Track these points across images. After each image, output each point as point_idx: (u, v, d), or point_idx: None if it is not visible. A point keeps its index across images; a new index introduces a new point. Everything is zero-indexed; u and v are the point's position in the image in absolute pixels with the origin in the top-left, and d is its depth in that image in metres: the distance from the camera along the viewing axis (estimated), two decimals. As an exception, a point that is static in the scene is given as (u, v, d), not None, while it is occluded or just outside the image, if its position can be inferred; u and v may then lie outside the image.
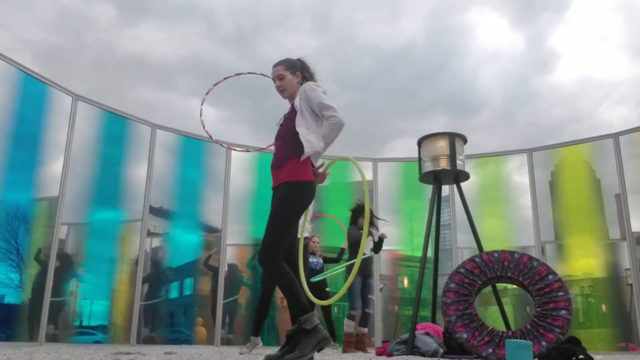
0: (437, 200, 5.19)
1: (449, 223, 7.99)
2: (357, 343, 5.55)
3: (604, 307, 7.35)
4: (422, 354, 4.11)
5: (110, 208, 6.88)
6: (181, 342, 7.27)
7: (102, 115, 6.79)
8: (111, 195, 6.84)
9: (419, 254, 5.05)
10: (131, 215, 7.00)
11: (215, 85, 4.68)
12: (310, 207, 3.14)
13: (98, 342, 6.55)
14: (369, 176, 8.44)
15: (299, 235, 3.26)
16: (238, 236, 7.93)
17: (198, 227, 7.81)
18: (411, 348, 4.20)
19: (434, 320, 5.26)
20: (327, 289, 6.25)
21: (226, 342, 7.55)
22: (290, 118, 2.77)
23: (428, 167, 5.14)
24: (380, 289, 6.12)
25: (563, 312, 3.82)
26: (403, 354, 4.11)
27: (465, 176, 5.21)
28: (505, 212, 8.02)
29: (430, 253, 5.35)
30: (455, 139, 5.10)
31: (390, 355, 4.22)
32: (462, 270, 4.20)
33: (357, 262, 2.52)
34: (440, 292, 4.35)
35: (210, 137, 4.88)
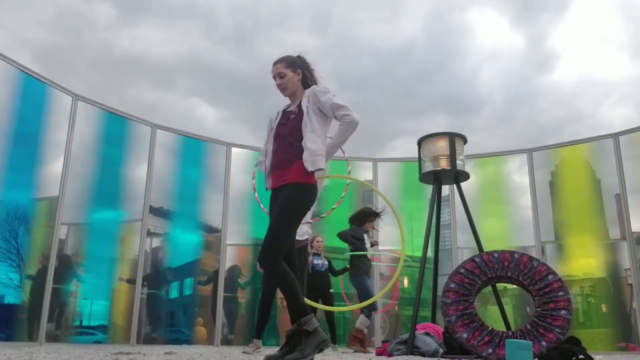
0: (437, 200, 5.18)
1: (449, 223, 7.99)
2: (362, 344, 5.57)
3: (604, 307, 7.35)
4: (422, 354, 4.11)
5: (110, 208, 6.88)
6: (181, 342, 7.27)
7: (102, 115, 6.79)
8: (111, 195, 6.85)
9: (419, 254, 5.05)
10: (131, 215, 7.00)
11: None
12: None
13: (98, 342, 6.55)
14: (368, 176, 8.43)
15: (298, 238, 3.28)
16: (238, 236, 7.93)
17: (198, 227, 7.81)
18: (411, 348, 4.20)
19: (434, 320, 5.26)
20: (331, 290, 6.23)
21: (226, 342, 7.55)
22: (296, 119, 2.75)
23: (428, 167, 5.14)
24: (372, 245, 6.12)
25: (563, 312, 3.82)
26: (403, 354, 4.11)
27: (465, 176, 5.20)
28: (505, 212, 8.02)
29: (430, 253, 5.34)
30: (455, 139, 5.09)
31: (390, 355, 4.22)
32: (462, 270, 4.20)
33: (400, 264, 2.56)
34: (440, 292, 4.35)
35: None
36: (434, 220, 5.18)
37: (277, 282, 2.58)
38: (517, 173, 8.22)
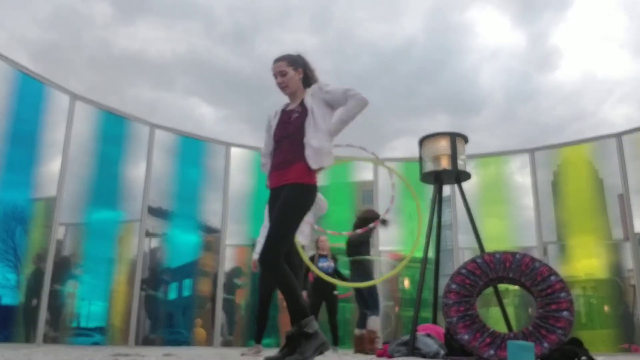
0: (438, 200, 5.14)
1: (450, 223, 7.95)
2: (362, 345, 5.53)
3: (606, 308, 7.31)
4: (423, 356, 4.06)
5: (108, 208, 6.85)
6: (180, 343, 7.23)
7: (100, 114, 6.76)
8: (109, 195, 6.81)
9: (420, 254, 5.00)
10: (129, 215, 6.97)
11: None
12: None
13: (96, 343, 6.51)
14: (369, 176, 8.39)
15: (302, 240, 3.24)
16: (237, 236, 7.88)
17: (197, 228, 7.77)
18: (412, 349, 4.15)
19: (435, 322, 5.21)
20: (335, 292, 6.16)
21: (225, 343, 7.51)
22: (299, 118, 2.70)
23: (429, 167, 5.09)
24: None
25: (565, 313, 3.77)
26: (404, 356, 4.07)
27: (467, 176, 5.16)
28: (507, 213, 7.98)
29: (431, 254, 5.29)
30: (456, 138, 5.05)
31: (391, 356, 4.17)
32: (463, 271, 4.16)
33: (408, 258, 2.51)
34: (441, 293, 4.30)
35: None
36: (434, 221, 5.14)
37: (278, 282, 2.55)
38: (519, 173, 8.19)
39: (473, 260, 4.22)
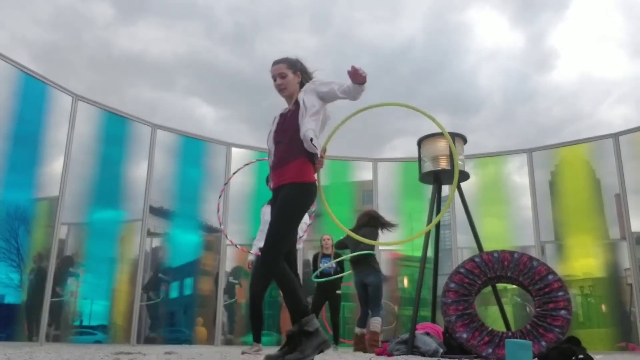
0: (437, 200, 5.19)
1: (449, 223, 7.99)
2: (362, 344, 5.54)
3: (603, 307, 7.35)
4: (422, 354, 4.10)
5: (110, 208, 6.88)
6: (181, 342, 7.27)
7: (102, 115, 6.79)
8: (111, 195, 6.85)
9: (419, 253, 5.04)
10: (131, 215, 7.01)
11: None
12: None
13: (98, 342, 6.55)
14: (368, 176, 8.43)
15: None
16: (238, 236, 7.92)
17: (198, 227, 7.81)
18: (411, 348, 4.20)
19: (433, 320, 5.26)
20: (338, 292, 6.18)
21: (226, 342, 7.55)
22: (293, 115, 2.72)
23: (428, 167, 5.14)
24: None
25: (563, 312, 3.82)
26: (403, 354, 4.11)
27: (465, 176, 5.20)
28: (505, 212, 8.03)
29: (430, 253, 5.33)
30: (455, 139, 5.09)
31: (390, 355, 4.21)
32: (462, 270, 4.20)
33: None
34: (440, 292, 4.34)
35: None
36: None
37: (278, 282, 2.57)
38: (517, 173, 8.23)
39: (471, 260, 4.27)
